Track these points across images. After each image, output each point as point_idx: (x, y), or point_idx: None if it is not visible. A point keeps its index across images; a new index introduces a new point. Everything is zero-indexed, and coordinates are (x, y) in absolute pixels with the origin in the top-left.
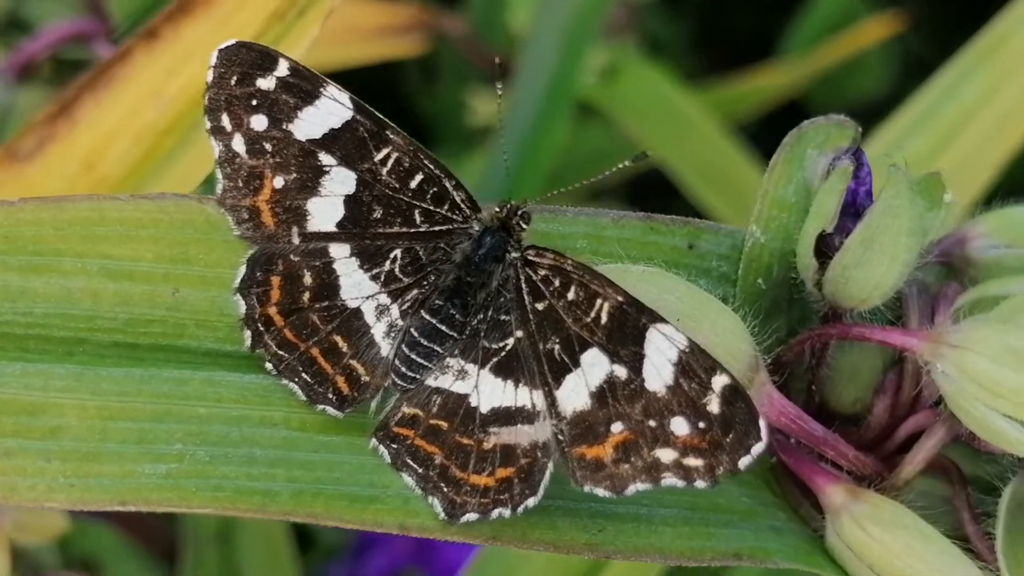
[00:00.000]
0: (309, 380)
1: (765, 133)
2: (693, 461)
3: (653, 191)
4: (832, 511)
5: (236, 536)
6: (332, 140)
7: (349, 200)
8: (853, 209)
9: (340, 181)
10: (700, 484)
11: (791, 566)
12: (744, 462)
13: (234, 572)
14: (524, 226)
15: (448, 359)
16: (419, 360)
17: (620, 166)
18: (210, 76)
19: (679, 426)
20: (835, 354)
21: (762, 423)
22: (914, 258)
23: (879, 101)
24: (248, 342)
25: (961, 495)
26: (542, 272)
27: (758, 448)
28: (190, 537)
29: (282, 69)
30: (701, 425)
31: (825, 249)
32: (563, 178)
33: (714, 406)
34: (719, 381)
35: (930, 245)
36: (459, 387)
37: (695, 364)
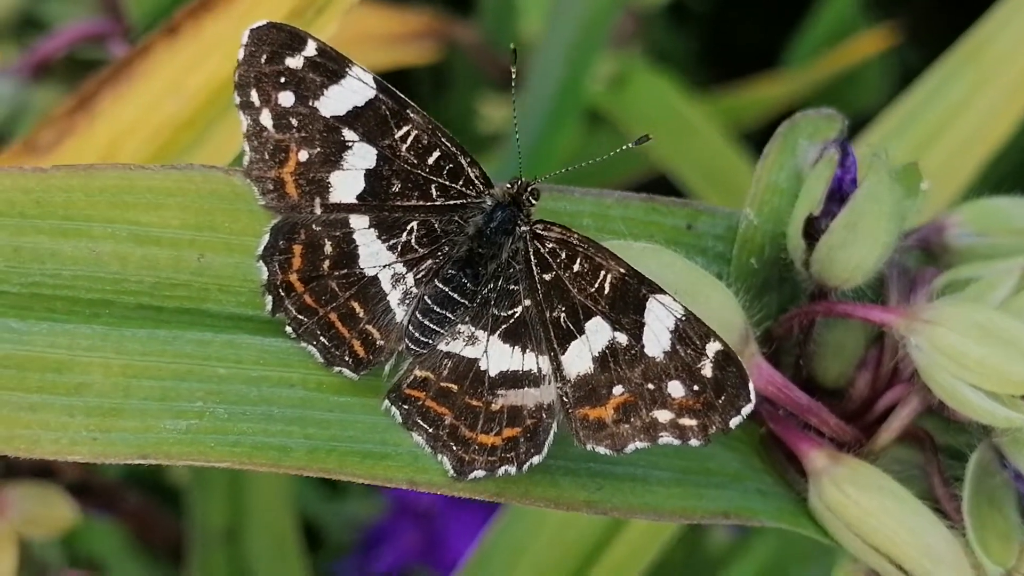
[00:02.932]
0: (327, 343)
1: (767, 141)
2: (688, 421)
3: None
4: (814, 474)
5: (244, 534)
6: (355, 117)
7: (370, 174)
8: (839, 195)
9: (362, 156)
10: (694, 442)
11: (775, 525)
12: (735, 422)
13: (242, 570)
14: (534, 202)
15: (459, 325)
16: (432, 326)
17: (623, 148)
18: (241, 54)
19: (675, 389)
20: (821, 330)
21: (751, 386)
22: (893, 240)
23: (876, 112)
24: (269, 306)
25: (933, 461)
26: (549, 245)
27: (747, 409)
28: (197, 535)
29: (310, 49)
30: (696, 388)
31: (813, 232)
32: (572, 184)
33: (708, 370)
34: (713, 347)
35: (908, 230)
36: (469, 352)
37: (691, 332)
